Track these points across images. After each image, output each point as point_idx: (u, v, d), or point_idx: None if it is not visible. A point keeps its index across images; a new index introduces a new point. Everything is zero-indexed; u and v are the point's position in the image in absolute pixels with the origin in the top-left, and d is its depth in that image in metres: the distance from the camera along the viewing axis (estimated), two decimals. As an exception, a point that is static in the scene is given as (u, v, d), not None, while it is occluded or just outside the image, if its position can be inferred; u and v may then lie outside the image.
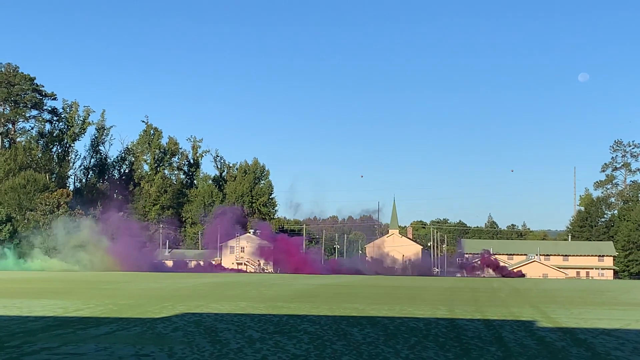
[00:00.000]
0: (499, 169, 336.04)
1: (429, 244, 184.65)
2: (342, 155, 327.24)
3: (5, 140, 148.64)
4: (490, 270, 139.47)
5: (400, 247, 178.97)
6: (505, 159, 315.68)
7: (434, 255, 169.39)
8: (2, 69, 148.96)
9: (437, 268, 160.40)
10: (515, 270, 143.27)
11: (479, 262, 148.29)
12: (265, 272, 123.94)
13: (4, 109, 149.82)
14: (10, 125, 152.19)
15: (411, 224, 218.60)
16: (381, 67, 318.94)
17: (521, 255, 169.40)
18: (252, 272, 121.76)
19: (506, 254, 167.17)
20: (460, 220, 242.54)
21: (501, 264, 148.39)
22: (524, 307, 34.48)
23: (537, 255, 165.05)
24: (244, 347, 18.27)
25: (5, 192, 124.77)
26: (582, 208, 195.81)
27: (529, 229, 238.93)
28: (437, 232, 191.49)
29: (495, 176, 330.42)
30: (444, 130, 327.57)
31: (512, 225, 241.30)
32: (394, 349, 18.27)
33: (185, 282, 58.76)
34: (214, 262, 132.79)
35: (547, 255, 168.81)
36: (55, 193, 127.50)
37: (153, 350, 17.52)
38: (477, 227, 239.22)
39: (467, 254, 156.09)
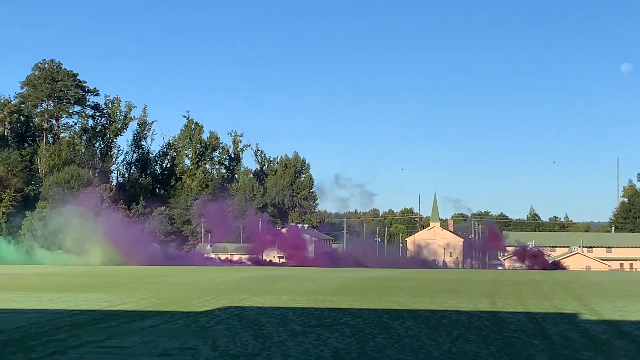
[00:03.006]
0: (541, 161, 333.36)
1: (470, 237, 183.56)
2: (383, 149, 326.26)
3: (49, 136, 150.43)
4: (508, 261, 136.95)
5: (441, 240, 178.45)
6: (547, 150, 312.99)
7: (474, 248, 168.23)
8: (46, 66, 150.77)
9: (478, 261, 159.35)
10: (532, 249, 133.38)
11: (485, 242, 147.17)
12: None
13: (47, 105, 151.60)
14: (54, 121, 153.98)
15: (452, 216, 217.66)
16: (421, 62, 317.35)
17: (564, 247, 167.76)
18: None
19: (548, 246, 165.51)
20: (501, 213, 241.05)
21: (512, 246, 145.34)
22: (567, 300, 34.18)
23: (579, 247, 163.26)
24: (286, 340, 18.38)
25: (49, 187, 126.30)
26: (626, 199, 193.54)
27: (571, 220, 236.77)
28: (478, 225, 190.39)
29: (538, 168, 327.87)
30: (485, 122, 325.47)
31: (555, 217, 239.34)
32: (436, 342, 18.27)
33: (228, 275, 59.12)
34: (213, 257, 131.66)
35: (590, 247, 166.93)
36: (99, 188, 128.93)
37: (197, 343, 17.71)
38: (519, 219, 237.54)
39: (507, 246, 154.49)
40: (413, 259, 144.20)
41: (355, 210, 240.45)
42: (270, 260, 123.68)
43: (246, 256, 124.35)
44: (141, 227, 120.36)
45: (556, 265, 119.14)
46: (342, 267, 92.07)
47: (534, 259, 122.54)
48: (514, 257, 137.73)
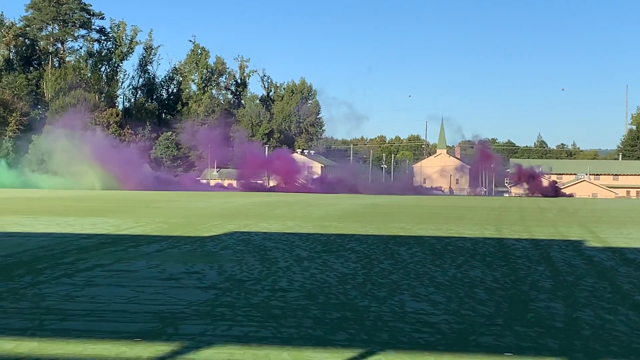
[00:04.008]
0: (549, 88, 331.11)
1: (477, 164, 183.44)
2: (390, 75, 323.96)
3: (54, 60, 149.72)
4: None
5: (447, 167, 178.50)
6: (555, 77, 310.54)
7: (481, 175, 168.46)
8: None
9: (485, 188, 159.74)
10: (527, 169, 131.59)
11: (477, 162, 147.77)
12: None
13: (53, 29, 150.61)
14: (59, 45, 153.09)
15: (459, 143, 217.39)
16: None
17: (571, 174, 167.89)
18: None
19: (555, 174, 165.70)
20: (509, 140, 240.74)
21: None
22: (573, 227, 34.25)
23: (586, 174, 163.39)
24: (292, 265, 18.47)
25: (56, 110, 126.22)
26: (634, 127, 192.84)
27: (578, 148, 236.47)
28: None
29: (546, 95, 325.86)
30: (493, 49, 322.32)
31: (562, 144, 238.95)
32: (441, 268, 18.34)
33: (234, 201, 59.37)
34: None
35: (597, 174, 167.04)
36: (105, 112, 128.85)
37: (203, 267, 17.80)
38: (526, 146, 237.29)
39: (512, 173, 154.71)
40: (409, 185, 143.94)
41: (362, 137, 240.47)
42: (262, 184, 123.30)
43: (238, 181, 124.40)
44: (132, 150, 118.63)
45: (555, 189, 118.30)
46: (332, 194, 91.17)
47: (531, 181, 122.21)
48: (512, 183, 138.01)
